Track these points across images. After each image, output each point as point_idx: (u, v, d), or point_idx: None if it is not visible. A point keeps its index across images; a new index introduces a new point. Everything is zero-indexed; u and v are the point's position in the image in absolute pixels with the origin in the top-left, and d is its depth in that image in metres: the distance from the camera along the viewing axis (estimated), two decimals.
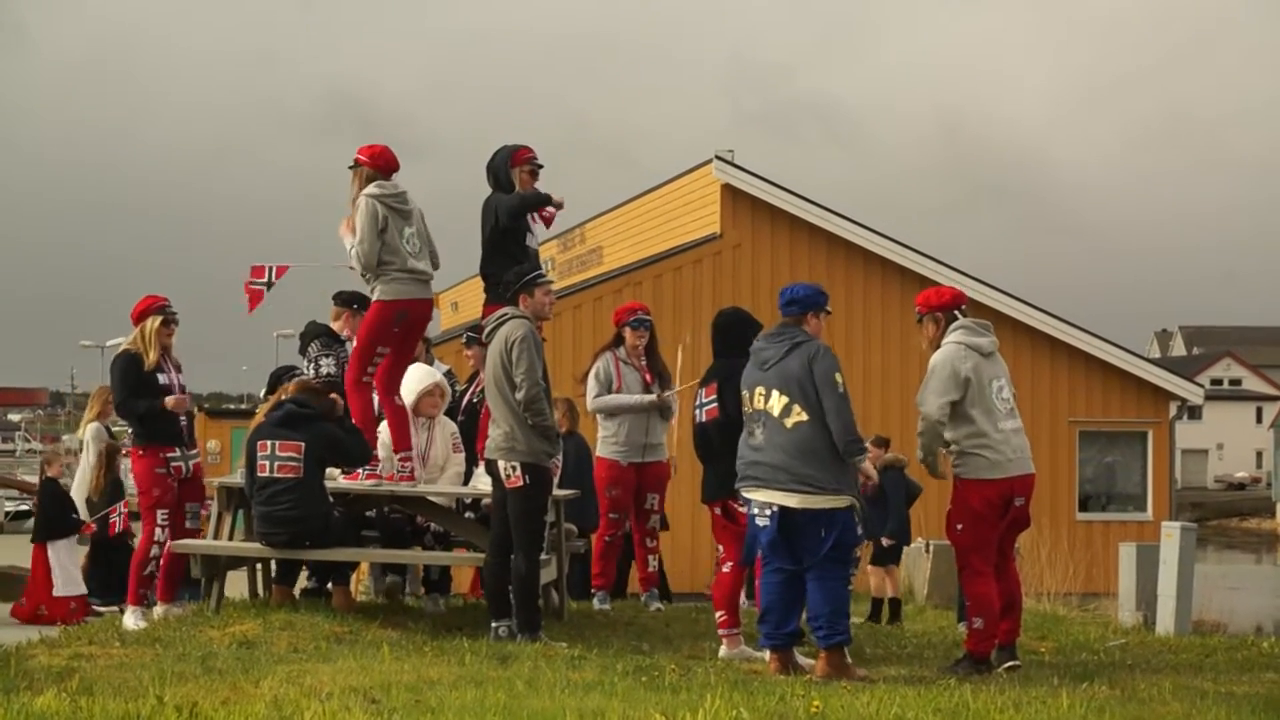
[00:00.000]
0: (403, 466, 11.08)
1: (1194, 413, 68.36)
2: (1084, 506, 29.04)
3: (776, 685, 8.58)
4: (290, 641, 9.88)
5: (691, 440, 10.46)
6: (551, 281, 10.93)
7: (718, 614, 10.21)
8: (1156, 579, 17.56)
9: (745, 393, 9.45)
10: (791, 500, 9.15)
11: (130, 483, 12.86)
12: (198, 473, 11.86)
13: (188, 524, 11.74)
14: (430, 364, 12.64)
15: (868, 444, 10.52)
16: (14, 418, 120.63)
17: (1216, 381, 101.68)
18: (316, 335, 12.33)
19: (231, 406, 70.61)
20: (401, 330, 10.92)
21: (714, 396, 10.06)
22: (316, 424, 10.92)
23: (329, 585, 11.85)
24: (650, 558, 12.92)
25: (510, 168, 11.10)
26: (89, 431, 15.42)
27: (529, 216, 11.13)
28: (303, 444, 10.74)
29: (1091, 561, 25.75)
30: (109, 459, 15.35)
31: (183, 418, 11.63)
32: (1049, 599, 19.49)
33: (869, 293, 27.78)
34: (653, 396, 12.47)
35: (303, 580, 12.42)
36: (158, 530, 11.51)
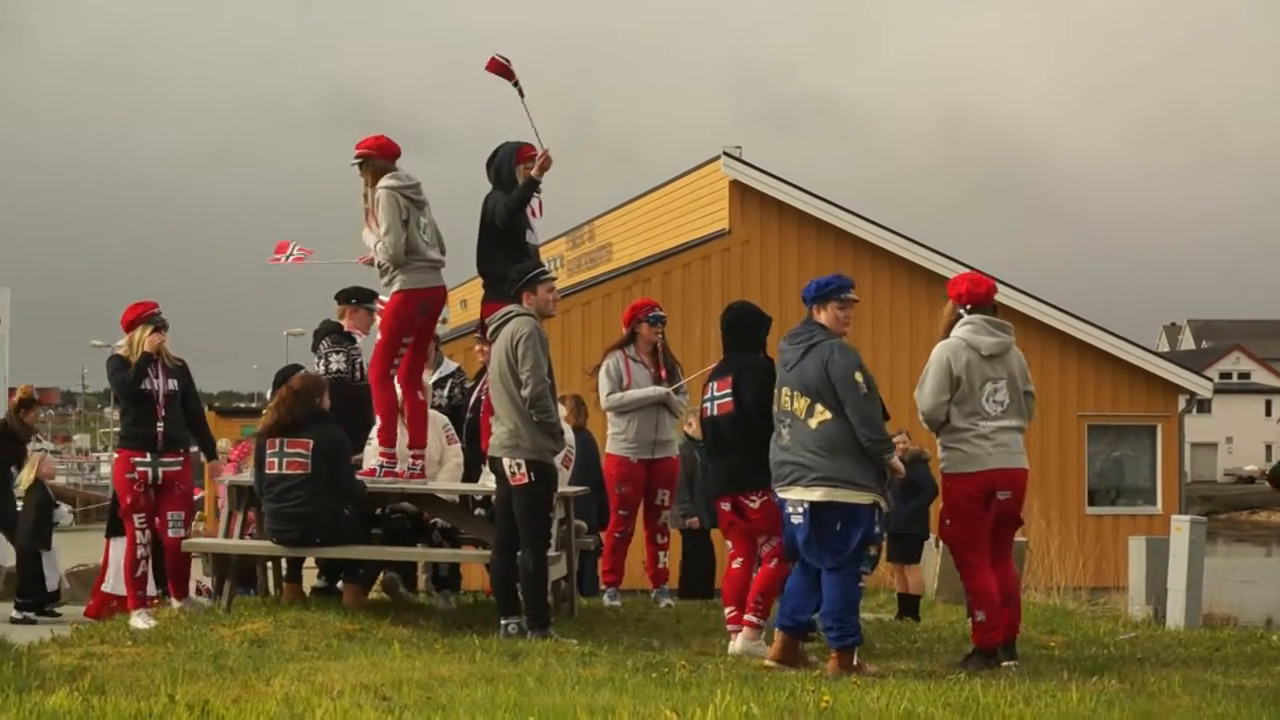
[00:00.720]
0: (414, 464, 11.12)
1: (1203, 406, 68.43)
2: (1093, 500, 29.03)
3: (786, 681, 8.59)
4: (301, 639, 9.90)
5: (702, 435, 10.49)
6: (554, 278, 10.93)
7: (727, 610, 10.21)
8: (1166, 573, 17.52)
9: (776, 392, 9.48)
10: (816, 495, 9.17)
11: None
12: (176, 479, 11.61)
13: (170, 532, 11.60)
14: (439, 361, 12.68)
15: (895, 439, 10.54)
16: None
17: (1225, 375, 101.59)
18: (328, 333, 12.39)
19: (242, 405, 70.71)
20: (422, 320, 11.07)
21: (728, 390, 10.01)
22: (324, 423, 10.96)
23: (339, 583, 11.88)
24: (661, 554, 12.92)
25: (515, 165, 11.09)
26: None
27: (528, 212, 11.10)
28: (311, 441, 10.78)
29: (1101, 555, 25.76)
30: None
31: (160, 423, 11.46)
32: (1058, 593, 19.50)
33: (878, 288, 27.76)
34: (665, 388, 12.48)
35: (313, 578, 12.45)
36: (138, 534, 11.51)
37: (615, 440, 12.69)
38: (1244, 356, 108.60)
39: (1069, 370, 28.75)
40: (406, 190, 10.81)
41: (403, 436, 11.24)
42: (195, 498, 14.99)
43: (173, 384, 11.51)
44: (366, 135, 11.05)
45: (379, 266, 10.95)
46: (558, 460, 10.42)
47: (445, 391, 12.49)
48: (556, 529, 10.73)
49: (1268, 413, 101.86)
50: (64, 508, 16.80)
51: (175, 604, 11.75)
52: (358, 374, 12.12)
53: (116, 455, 11.62)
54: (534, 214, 11.20)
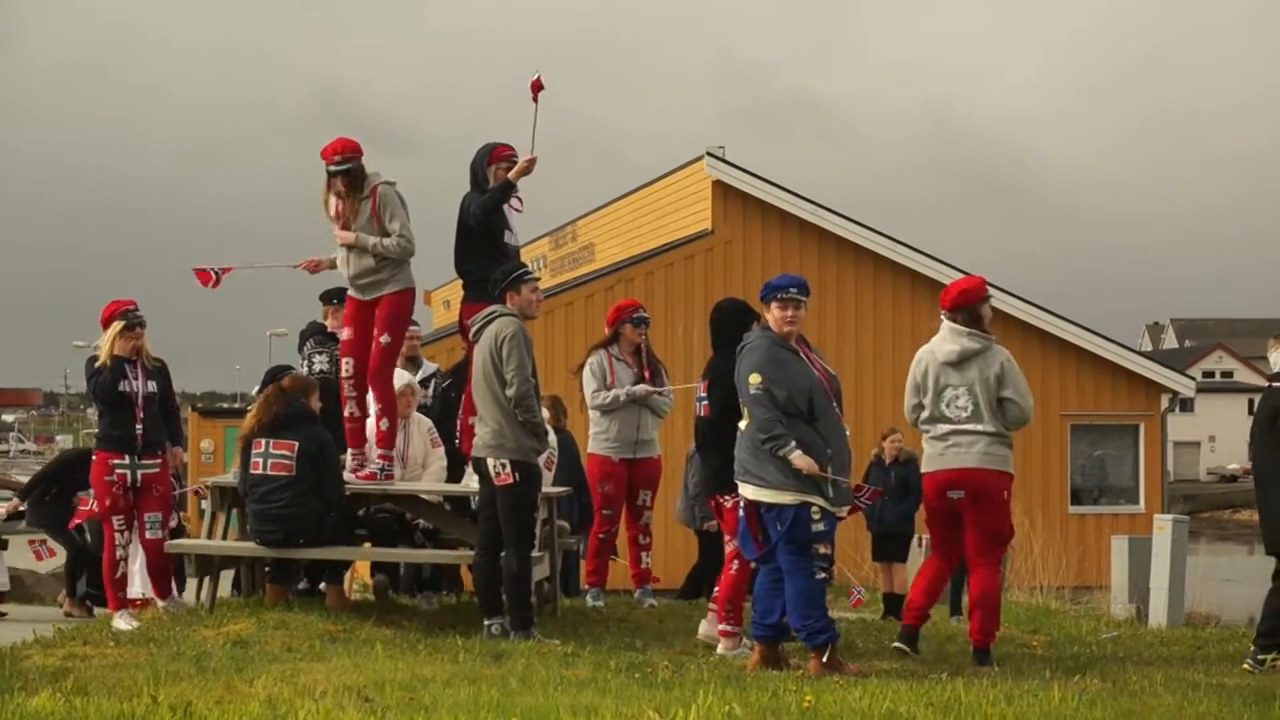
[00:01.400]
0: (384, 464, 11.12)
1: (1186, 405, 68.60)
2: (1076, 500, 29.05)
3: (769, 681, 8.60)
4: (284, 640, 9.90)
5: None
6: (538, 278, 10.93)
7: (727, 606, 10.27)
8: (1149, 572, 17.59)
9: None
10: (748, 492, 9.36)
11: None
12: (154, 482, 11.56)
13: (148, 534, 11.56)
14: (419, 363, 12.71)
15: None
16: (8, 418, 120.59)
17: (1208, 374, 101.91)
18: (313, 334, 12.43)
19: (225, 406, 70.57)
20: None
21: (705, 394, 10.18)
22: (310, 424, 10.95)
23: (322, 585, 11.87)
24: (643, 554, 12.92)
25: (487, 165, 11.08)
26: None
27: (505, 212, 11.09)
28: (296, 443, 10.77)
29: (1084, 554, 25.83)
30: None
31: (139, 425, 11.41)
32: (1041, 592, 19.54)
33: (860, 288, 27.77)
34: (652, 387, 12.47)
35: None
36: (117, 535, 11.48)
37: (597, 439, 12.70)
38: (1227, 355, 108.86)
39: (1051, 369, 28.78)
40: (397, 188, 10.90)
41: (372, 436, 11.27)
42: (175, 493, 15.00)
43: (151, 385, 11.45)
44: (336, 138, 10.98)
45: (379, 261, 10.86)
46: (540, 461, 10.43)
47: (431, 390, 12.53)
48: (540, 529, 10.74)
49: (1250, 412, 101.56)
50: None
51: (160, 604, 11.73)
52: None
53: (95, 457, 11.58)
54: (516, 209, 11.19)
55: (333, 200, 10.99)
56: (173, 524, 12.48)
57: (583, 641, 10.12)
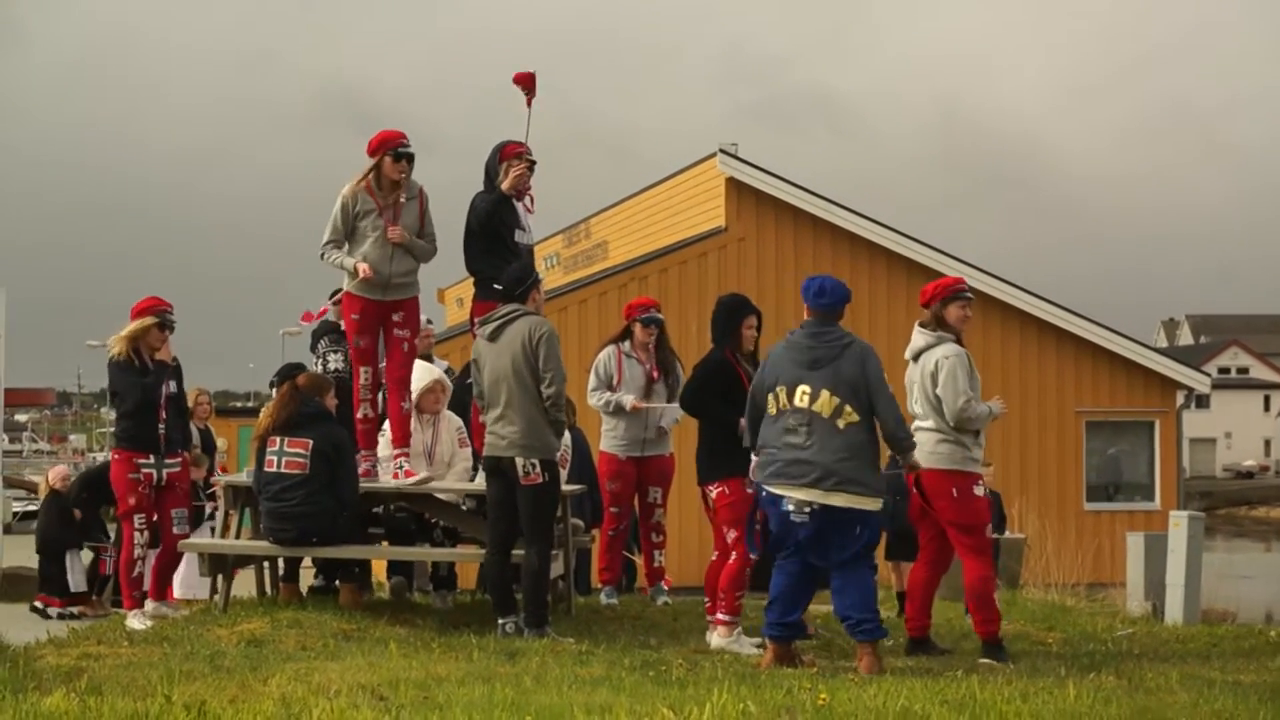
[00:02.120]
0: (400, 462, 11.12)
1: (1201, 401, 68.43)
2: (1091, 496, 29.00)
3: (784, 679, 8.58)
4: (298, 640, 9.89)
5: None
6: (542, 280, 10.92)
7: (706, 603, 10.30)
8: (1165, 568, 17.56)
9: (781, 389, 9.30)
10: (836, 500, 9.13)
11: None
12: (178, 480, 11.65)
13: (175, 529, 11.64)
14: (431, 360, 12.68)
15: None
16: (21, 418, 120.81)
17: (1224, 370, 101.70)
18: (326, 333, 12.40)
19: (238, 405, 70.59)
20: None
21: None
22: (325, 422, 10.94)
23: (336, 583, 11.87)
24: (656, 553, 12.89)
25: (499, 162, 11.07)
26: None
27: (517, 211, 11.07)
28: (310, 441, 10.76)
29: (1099, 551, 25.75)
30: None
31: (161, 425, 11.47)
32: (1056, 589, 19.48)
33: (874, 285, 27.74)
34: (632, 400, 12.34)
35: (310, 578, 12.44)
36: (136, 535, 11.48)
37: (606, 437, 12.69)
38: (1242, 352, 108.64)
39: (1066, 366, 28.74)
40: None
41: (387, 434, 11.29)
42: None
43: (173, 386, 11.56)
44: (385, 129, 10.94)
45: (413, 263, 10.93)
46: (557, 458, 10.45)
47: None
48: (555, 528, 10.73)
49: (1266, 408, 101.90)
50: None
51: (148, 605, 11.64)
52: None
53: (116, 457, 11.58)
54: (527, 210, 11.18)
55: (363, 194, 10.82)
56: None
57: (597, 640, 10.11)
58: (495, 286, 10.56)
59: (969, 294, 10.41)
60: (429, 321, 12.47)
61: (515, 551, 10.24)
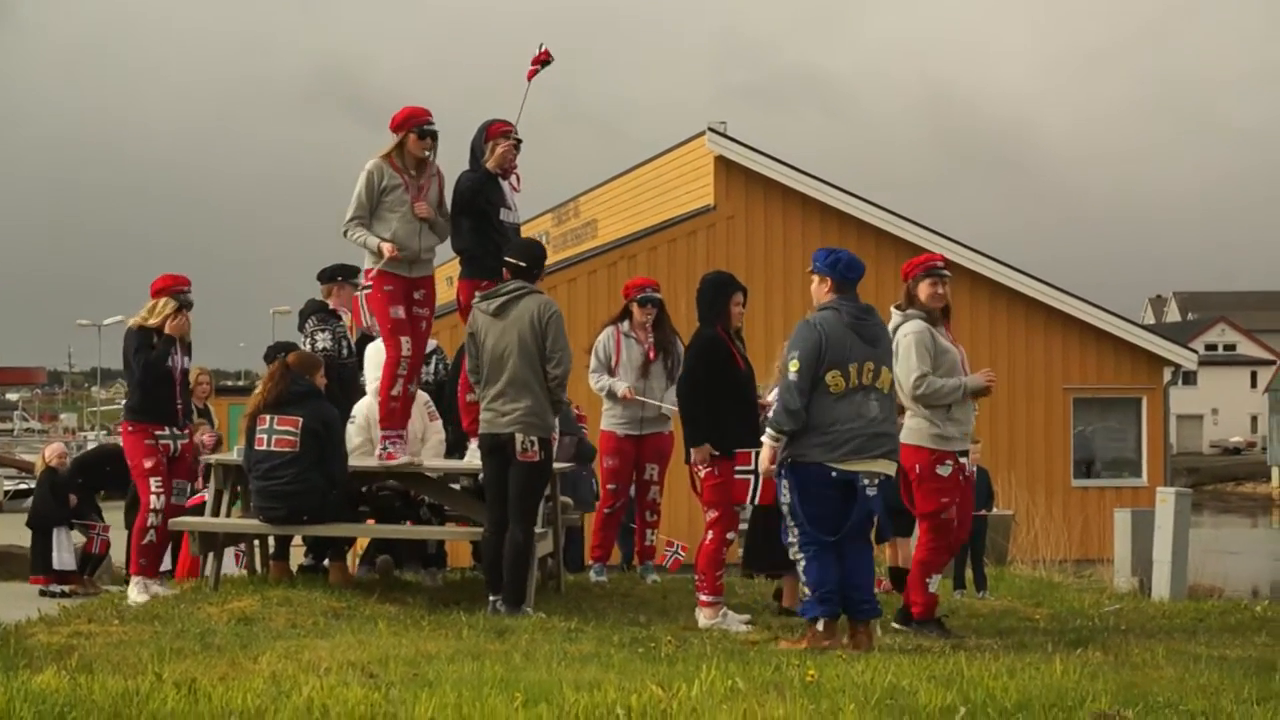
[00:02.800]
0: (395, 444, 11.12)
1: (1188, 378, 68.53)
2: (1078, 473, 29.10)
3: (772, 656, 8.62)
4: (288, 617, 9.92)
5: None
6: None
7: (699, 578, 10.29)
8: (1152, 544, 17.62)
9: (852, 366, 9.28)
10: (892, 469, 9.47)
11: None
12: (186, 453, 11.75)
13: (173, 499, 11.64)
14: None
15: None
16: (12, 397, 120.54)
17: (1211, 347, 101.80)
18: (314, 312, 12.36)
19: (229, 384, 70.47)
20: None
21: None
22: (315, 400, 10.94)
23: (326, 561, 11.89)
24: (649, 531, 12.91)
25: (484, 141, 11.05)
26: None
27: (503, 190, 11.06)
28: (300, 419, 10.76)
29: (1086, 527, 25.86)
30: None
31: (178, 400, 11.52)
32: (1044, 565, 19.57)
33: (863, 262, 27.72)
34: (624, 389, 12.36)
35: (300, 556, 12.46)
36: (153, 498, 11.43)
37: (606, 416, 12.69)
38: (1229, 328, 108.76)
39: (1054, 343, 28.79)
40: None
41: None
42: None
43: (186, 361, 11.61)
44: (409, 106, 10.94)
45: (429, 243, 10.93)
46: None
47: (431, 367, 12.55)
48: (543, 505, 10.75)
49: (1253, 384, 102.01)
50: None
51: (135, 579, 11.62)
52: (344, 352, 12.13)
53: (129, 428, 11.55)
54: (513, 188, 11.16)
55: (389, 170, 10.72)
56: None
57: (586, 617, 10.14)
58: (518, 263, 10.28)
59: (945, 271, 10.38)
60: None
61: None
